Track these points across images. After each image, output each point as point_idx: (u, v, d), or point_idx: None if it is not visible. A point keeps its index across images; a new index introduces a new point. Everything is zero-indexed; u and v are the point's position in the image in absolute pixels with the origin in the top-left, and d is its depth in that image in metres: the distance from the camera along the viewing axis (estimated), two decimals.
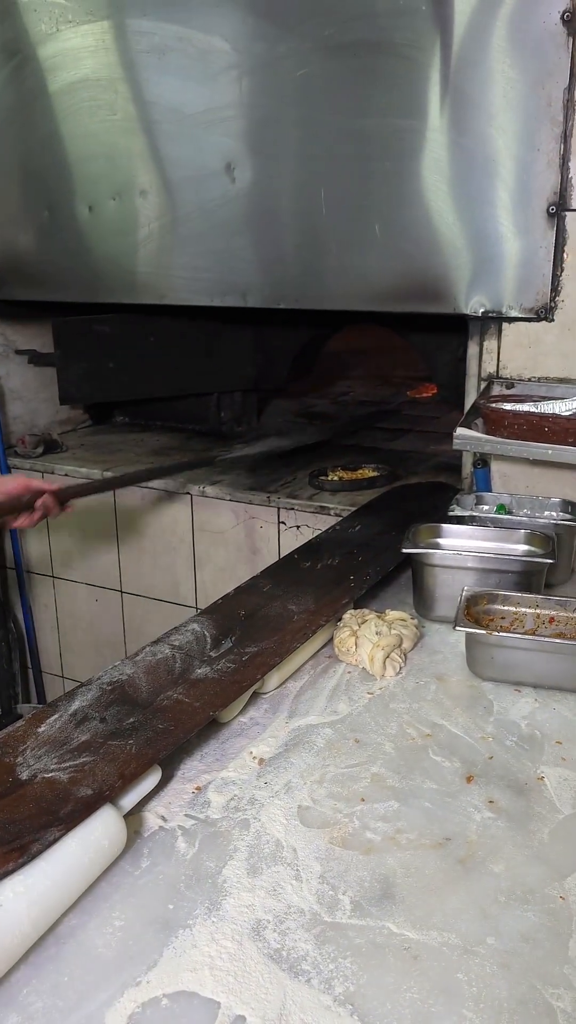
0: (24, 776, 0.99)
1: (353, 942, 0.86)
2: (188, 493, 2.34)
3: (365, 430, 2.95)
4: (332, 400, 3.42)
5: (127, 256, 2.27)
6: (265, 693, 1.33)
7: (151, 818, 1.05)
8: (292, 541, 2.20)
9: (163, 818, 1.05)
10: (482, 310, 1.84)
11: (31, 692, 2.87)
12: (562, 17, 1.63)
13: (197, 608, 2.44)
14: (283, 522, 2.22)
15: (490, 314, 1.84)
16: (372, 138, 1.86)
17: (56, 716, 1.13)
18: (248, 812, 1.05)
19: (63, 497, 1.85)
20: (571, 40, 1.63)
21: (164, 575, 2.49)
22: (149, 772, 1.05)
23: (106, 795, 0.96)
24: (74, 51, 2.17)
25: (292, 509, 2.19)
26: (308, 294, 2.04)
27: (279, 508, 2.21)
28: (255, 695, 1.32)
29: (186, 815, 1.05)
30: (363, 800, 1.07)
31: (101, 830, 0.93)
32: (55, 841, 0.88)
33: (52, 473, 2.56)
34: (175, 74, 2.05)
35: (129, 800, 1.02)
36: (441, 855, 0.98)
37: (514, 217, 1.76)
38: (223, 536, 2.33)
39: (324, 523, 2.12)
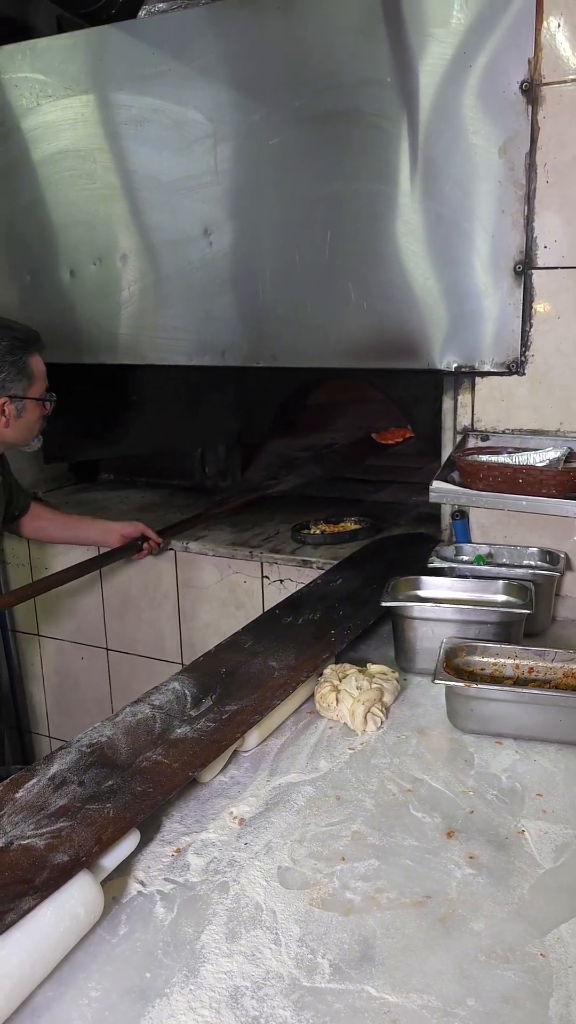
0: (0, 843, 0.99)
1: (332, 1007, 0.85)
2: (172, 549, 2.35)
3: (350, 483, 2.98)
4: (316, 452, 3.45)
5: (109, 318, 2.31)
6: (246, 751, 1.33)
7: (130, 883, 1.04)
8: (276, 595, 2.20)
9: (142, 883, 1.04)
10: (455, 365, 1.88)
11: (18, 752, 2.83)
12: (520, 87, 1.70)
13: (183, 664, 2.44)
14: (266, 576, 2.23)
15: (463, 369, 1.88)
16: (344, 202, 1.92)
17: (34, 780, 1.12)
18: (227, 875, 1.04)
19: (164, 537, 2.33)
20: (530, 108, 1.70)
21: (149, 631, 2.49)
22: (127, 836, 1.04)
23: (83, 861, 0.96)
24: (55, 124, 2.24)
25: (275, 563, 2.20)
26: (285, 352, 2.08)
27: (262, 563, 2.22)
28: (236, 753, 1.32)
29: (165, 879, 1.04)
30: (343, 859, 1.07)
31: (77, 897, 0.93)
32: (30, 910, 0.88)
33: None
34: (152, 144, 2.12)
35: (107, 865, 1.01)
36: (421, 914, 0.97)
37: (483, 276, 1.82)
38: (207, 591, 2.34)
39: (307, 576, 2.13)
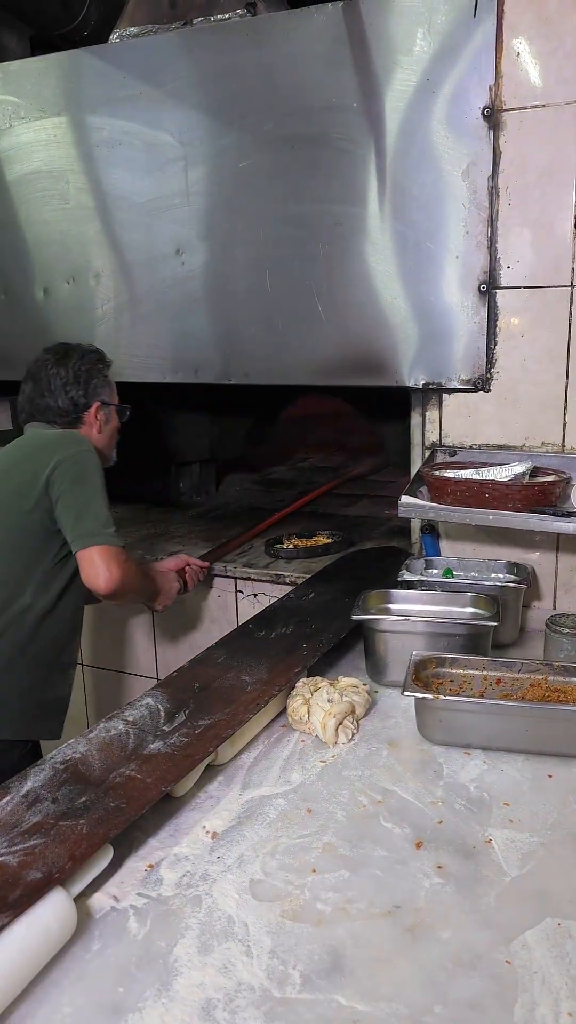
0: None
1: (302, 1017, 0.86)
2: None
3: (323, 497, 3.00)
4: (289, 467, 3.49)
5: (83, 336, 2.32)
6: (219, 765, 1.35)
7: (103, 898, 1.05)
8: (250, 609, 2.22)
9: (115, 898, 1.05)
10: (423, 382, 1.92)
11: None
12: (482, 113, 1.75)
13: (158, 679, 2.44)
14: (240, 591, 2.25)
15: (430, 386, 1.92)
16: (313, 223, 1.96)
17: (8, 798, 1.13)
18: (200, 888, 1.06)
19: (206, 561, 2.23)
20: (492, 133, 1.75)
21: (124, 647, 2.49)
22: (101, 852, 1.05)
23: (56, 878, 0.97)
24: (28, 145, 2.26)
25: (248, 579, 2.22)
26: (256, 369, 2.11)
27: (236, 577, 2.24)
28: (210, 767, 1.33)
29: (138, 894, 1.05)
30: (314, 871, 1.08)
31: (51, 914, 0.94)
32: (2, 928, 0.89)
33: None
34: (125, 166, 2.15)
35: (81, 881, 1.02)
36: (390, 924, 0.99)
37: (449, 295, 1.86)
38: (182, 606, 2.35)
39: (280, 590, 2.14)
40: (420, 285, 1.88)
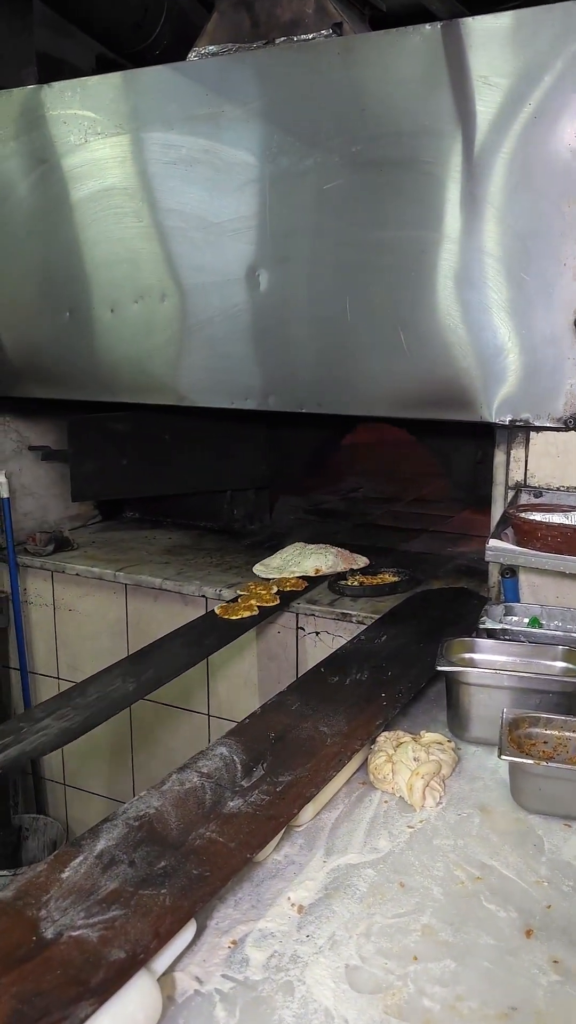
0: (49, 934, 0.90)
1: None
2: (203, 596, 2.28)
3: (380, 530, 2.91)
4: (342, 496, 3.40)
5: (147, 357, 2.27)
6: (299, 826, 1.25)
7: (185, 979, 0.95)
8: (311, 648, 2.13)
9: (198, 979, 0.95)
10: (509, 419, 1.83)
11: (31, 801, 2.74)
12: None
13: (209, 714, 2.36)
14: (301, 628, 2.16)
15: (517, 423, 1.83)
16: (398, 250, 1.88)
17: (80, 859, 1.04)
18: (291, 972, 0.96)
19: None
20: None
21: (175, 680, 2.40)
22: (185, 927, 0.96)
23: (141, 959, 0.87)
24: (101, 161, 2.22)
25: (313, 615, 2.12)
26: (330, 398, 2.03)
27: (298, 614, 2.15)
28: (288, 828, 1.24)
29: (223, 975, 0.96)
30: (416, 959, 0.98)
31: (136, 1001, 0.84)
32: (87, 1018, 0.79)
33: (63, 572, 2.50)
34: (201, 184, 2.09)
35: (163, 960, 0.93)
36: None
37: (541, 329, 1.77)
38: (239, 641, 2.25)
39: (344, 629, 2.05)
40: (510, 318, 1.80)
